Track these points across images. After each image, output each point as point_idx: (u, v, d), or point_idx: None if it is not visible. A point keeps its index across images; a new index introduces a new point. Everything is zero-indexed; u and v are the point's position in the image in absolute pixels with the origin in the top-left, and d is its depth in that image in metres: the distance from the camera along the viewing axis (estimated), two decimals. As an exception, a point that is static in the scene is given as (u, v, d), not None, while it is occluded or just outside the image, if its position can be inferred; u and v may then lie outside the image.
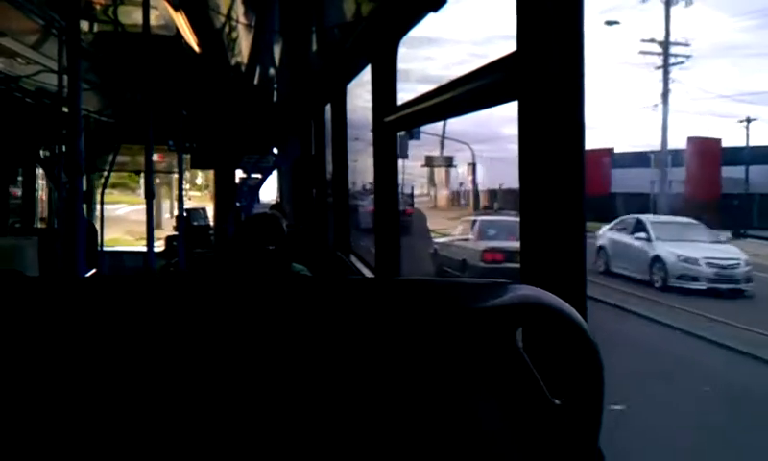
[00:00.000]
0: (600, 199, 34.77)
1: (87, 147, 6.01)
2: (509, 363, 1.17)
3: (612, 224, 23.33)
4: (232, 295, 1.22)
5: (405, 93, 4.21)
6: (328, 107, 7.49)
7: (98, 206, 11.31)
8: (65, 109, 5.85)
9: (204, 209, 17.35)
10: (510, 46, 2.13)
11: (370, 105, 4.54)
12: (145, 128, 6.32)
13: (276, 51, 7.32)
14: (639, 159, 37.65)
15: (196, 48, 6.73)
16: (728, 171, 34.09)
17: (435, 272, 19.90)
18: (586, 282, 1.98)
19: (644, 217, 23.12)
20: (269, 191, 14.44)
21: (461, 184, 45.34)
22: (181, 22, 5.88)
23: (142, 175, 12.52)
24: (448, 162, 40.60)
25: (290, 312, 1.18)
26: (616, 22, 35.68)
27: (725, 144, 35.57)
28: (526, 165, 2.08)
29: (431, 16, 3.52)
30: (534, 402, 1.17)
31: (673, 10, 35.68)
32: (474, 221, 21.84)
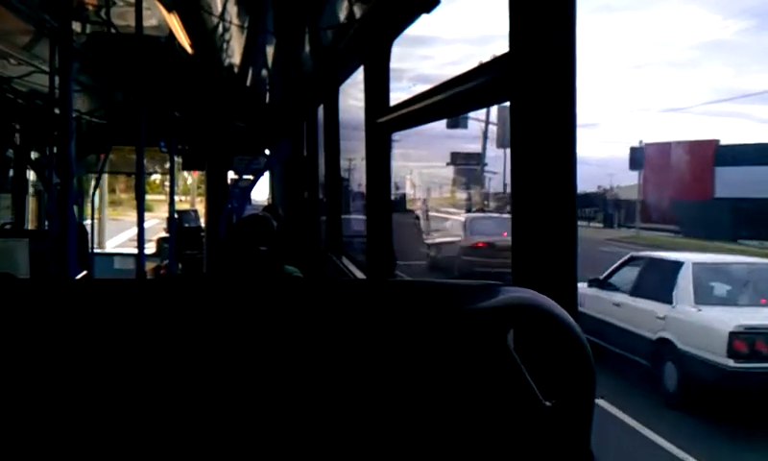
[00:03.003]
0: (698, 205, 28.22)
1: (78, 148, 5.99)
2: (500, 364, 1.17)
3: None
4: (224, 297, 1.21)
5: (400, 93, 4.21)
6: (321, 108, 7.49)
7: (88, 208, 11.29)
8: (57, 111, 5.83)
9: (195, 211, 17.32)
10: (506, 45, 2.13)
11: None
12: (137, 129, 6.30)
13: (269, 52, 7.32)
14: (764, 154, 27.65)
15: (189, 49, 6.73)
16: None
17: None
18: (577, 284, 1.98)
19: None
20: (261, 193, 14.41)
21: (506, 185, 39.64)
22: (174, 24, 5.87)
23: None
24: (478, 160, 34.57)
25: (282, 314, 1.18)
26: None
27: None
28: (518, 166, 2.08)
29: (427, 15, 3.52)
30: (525, 404, 1.17)
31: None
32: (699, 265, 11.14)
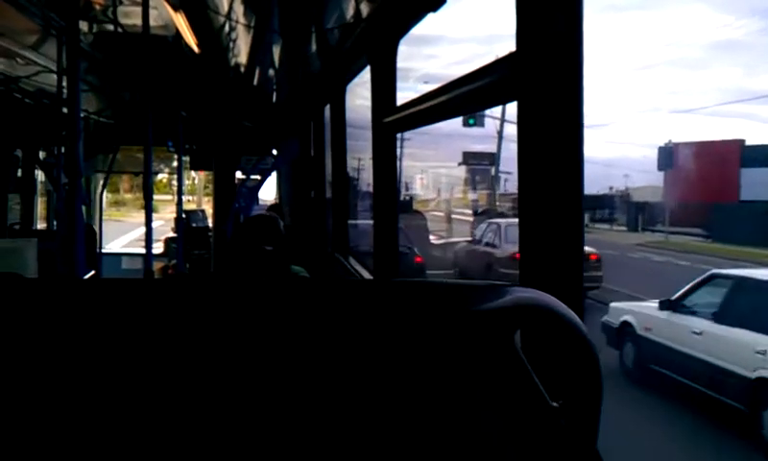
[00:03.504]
0: (725, 208, 26.64)
1: (86, 148, 6.01)
2: (507, 365, 1.16)
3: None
4: (231, 297, 1.21)
5: (407, 92, 4.21)
6: (328, 108, 7.49)
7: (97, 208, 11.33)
8: (65, 110, 5.85)
9: (202, 211, 17.32)
10: (513, 44, 2.13)
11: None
12: (144, 129, 6.32)
13: (276, 52, 7.32)
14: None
15: (195, 49, 6.73)
16: None
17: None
18: (583, 284, 1.97)
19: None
20: (268, 192, 14.37)
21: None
22: (181, 23, 5.88)
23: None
24: (491, 160, 32.76)
25: (289, 314, 1.18)
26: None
27: None
28: (525, 166, 2.08)
29: (433, 15, 3.52)
30: (532, 404, 1.16)
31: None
32: None
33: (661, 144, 30.02)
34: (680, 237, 28.43)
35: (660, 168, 30.04)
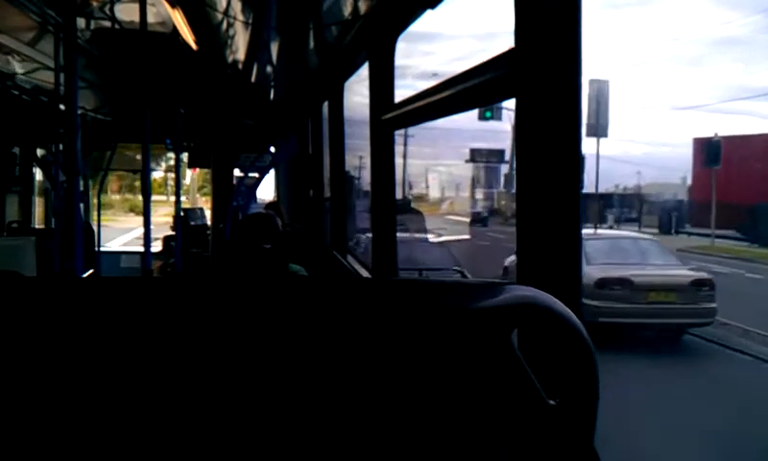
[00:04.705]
0: (765, 209, 24.48)
1: (84, 146, 6.01)
2: (504, 364, 1.16)
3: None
4: (229, 296, 1.21)
5: (405, 90, 4.21)
6: (326, 104, 7.49)
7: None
8: (62, 107, 5.84)
9: (201, 209, 17.27)
10: (512, 41, 2.12)
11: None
12: (142, 126, 6.31)
13: (274, 49, 7.32)
14: None
15: (193, 45, 6.72)
16: None
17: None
18: (581, 282, 1.97)
19: None
20: (267, 190, 14.30)
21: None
22: (178, 19, 5.87)
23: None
24: (500, 157, 30.63)
25: (287, 313, 1.17)
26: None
27: None
28: (523, 164, 2.07)
29: (431, 12, 3.51)
30: (529, 403, 1.16)
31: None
32: None
33: (710, 137, 27.24)
34: (723, 242, 25.90)
35: (704, 165, 27.80)
